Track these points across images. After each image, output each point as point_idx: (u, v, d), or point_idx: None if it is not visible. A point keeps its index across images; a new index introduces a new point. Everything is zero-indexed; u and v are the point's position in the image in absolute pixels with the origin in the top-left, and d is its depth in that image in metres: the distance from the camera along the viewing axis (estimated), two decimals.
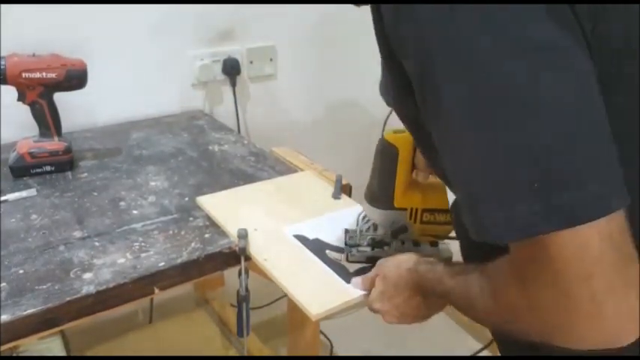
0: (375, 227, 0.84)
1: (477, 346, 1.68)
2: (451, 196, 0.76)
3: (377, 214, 0.81)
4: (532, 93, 0.42)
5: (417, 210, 0.81)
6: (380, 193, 0.80)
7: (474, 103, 0.44)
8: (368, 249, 0.85)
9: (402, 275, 0.68)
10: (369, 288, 0.75)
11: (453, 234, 0.80)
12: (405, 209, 0.80)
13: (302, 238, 0.90)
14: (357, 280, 0.79)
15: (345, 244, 0.86)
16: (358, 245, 0.85)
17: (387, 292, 0.70)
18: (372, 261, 0.81)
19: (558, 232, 0.43)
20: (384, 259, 0.74)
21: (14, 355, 1.09)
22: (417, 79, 0.49)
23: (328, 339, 1.72)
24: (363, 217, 0.85)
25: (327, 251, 0.87)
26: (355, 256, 0.85)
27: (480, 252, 0.51)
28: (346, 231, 0.88)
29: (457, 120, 0.46)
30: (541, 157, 0.42)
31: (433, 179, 0.80)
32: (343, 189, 1.05)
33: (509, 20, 0.43)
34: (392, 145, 0.77)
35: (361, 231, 0.85)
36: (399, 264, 0.69)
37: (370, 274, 0.75)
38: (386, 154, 0.78)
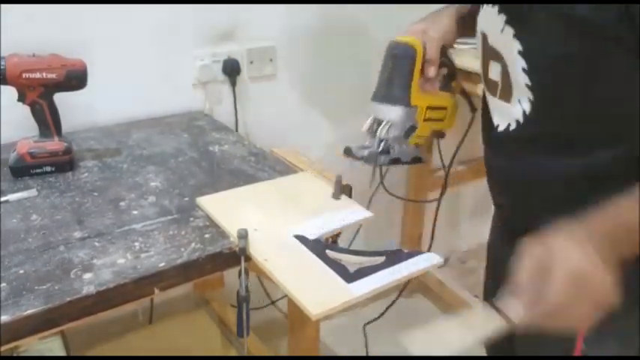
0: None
1: None
2: None
3: (395, 112, 0.88)
4: None
5: (424, 108, 0.91)
6: (399, 92, 0.88)
7: None
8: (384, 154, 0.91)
9: (599, 265, 0.59)
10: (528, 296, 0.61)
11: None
12: (417, 107, 0.90)
13: (302, 238, 0.90)
14: (510, 303, 0.62)
15: (361, 157, 0.92)
16: (379, 151, 0.90)
17: (584, 293, 0.59)
18: (395, 162, 0.92)
19: None
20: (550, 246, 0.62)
21: (14, 355, 1.09)
22: None
23: None
24: (370, 126, 0.92)
25: (327, 251, 0.87)
26: (382, 161, 0.91)
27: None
28: (350, 149, 0.94)
29: None
30: None
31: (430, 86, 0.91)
32: (343, 189, 1.05)
33: None
34: (410, 46, 0.86)
35: (380, 138, 0.90)
36: (583, 256, 0.59)
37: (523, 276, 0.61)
38: (405, 54, 0.86)
